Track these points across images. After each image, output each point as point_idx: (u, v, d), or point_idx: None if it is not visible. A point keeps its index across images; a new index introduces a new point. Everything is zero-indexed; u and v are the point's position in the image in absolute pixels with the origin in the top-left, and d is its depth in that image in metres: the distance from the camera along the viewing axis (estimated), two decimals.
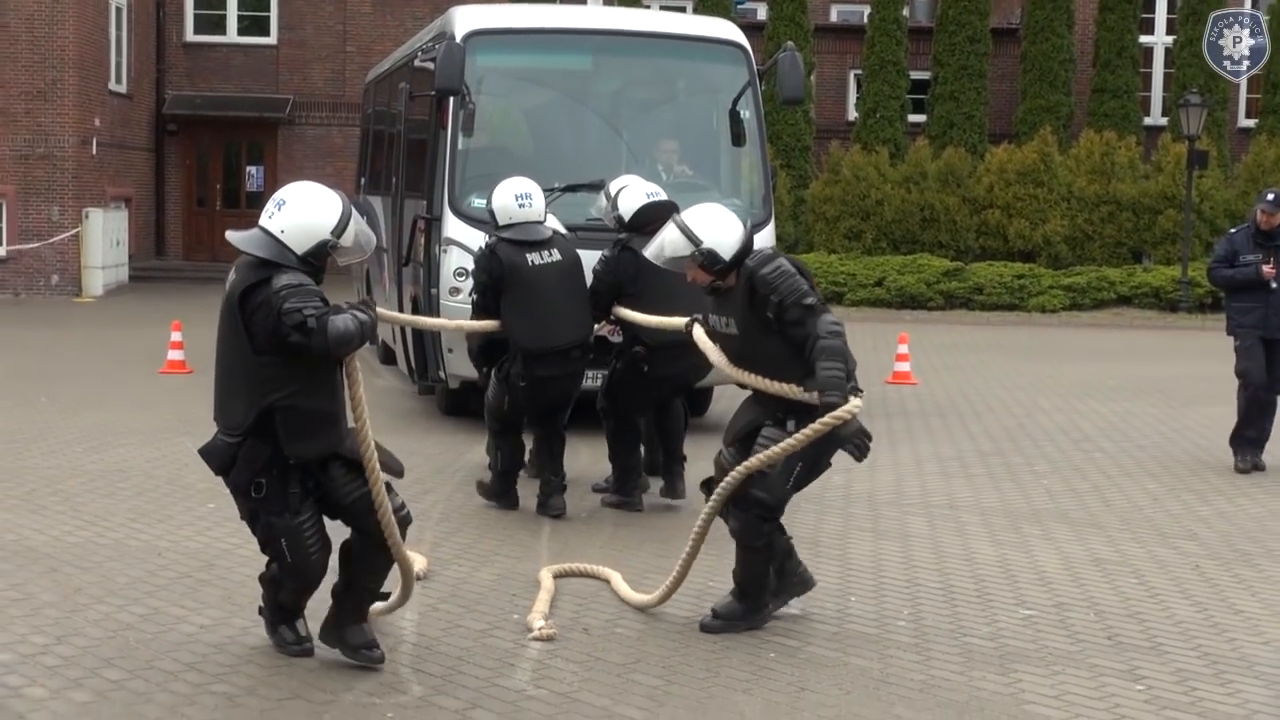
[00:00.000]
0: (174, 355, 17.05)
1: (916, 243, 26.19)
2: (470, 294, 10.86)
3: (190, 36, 31.11)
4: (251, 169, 31.60)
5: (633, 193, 9.63)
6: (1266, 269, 11.09)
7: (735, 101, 12.36)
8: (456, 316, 11.49)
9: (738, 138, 12.44)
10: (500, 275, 9.17)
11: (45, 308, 24.13)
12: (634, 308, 9.31)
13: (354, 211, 6.32)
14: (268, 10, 31.19)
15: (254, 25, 31.32)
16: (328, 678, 6.73)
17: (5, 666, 6.77)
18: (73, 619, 7.48)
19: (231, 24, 31.22)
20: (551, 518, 9.57)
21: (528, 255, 9.18)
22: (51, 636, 7.19)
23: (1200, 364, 19.67)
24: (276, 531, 6.36)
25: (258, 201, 31.12)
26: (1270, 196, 11.17)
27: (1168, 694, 6.39)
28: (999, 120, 30.08)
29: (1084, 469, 12.01)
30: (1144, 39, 30.56)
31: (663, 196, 9.68)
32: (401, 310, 14.32)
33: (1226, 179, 28.23)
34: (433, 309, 12.30)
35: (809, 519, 9.73)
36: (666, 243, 7.06)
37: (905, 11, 29.98)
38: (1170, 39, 30.91)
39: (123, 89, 28.67)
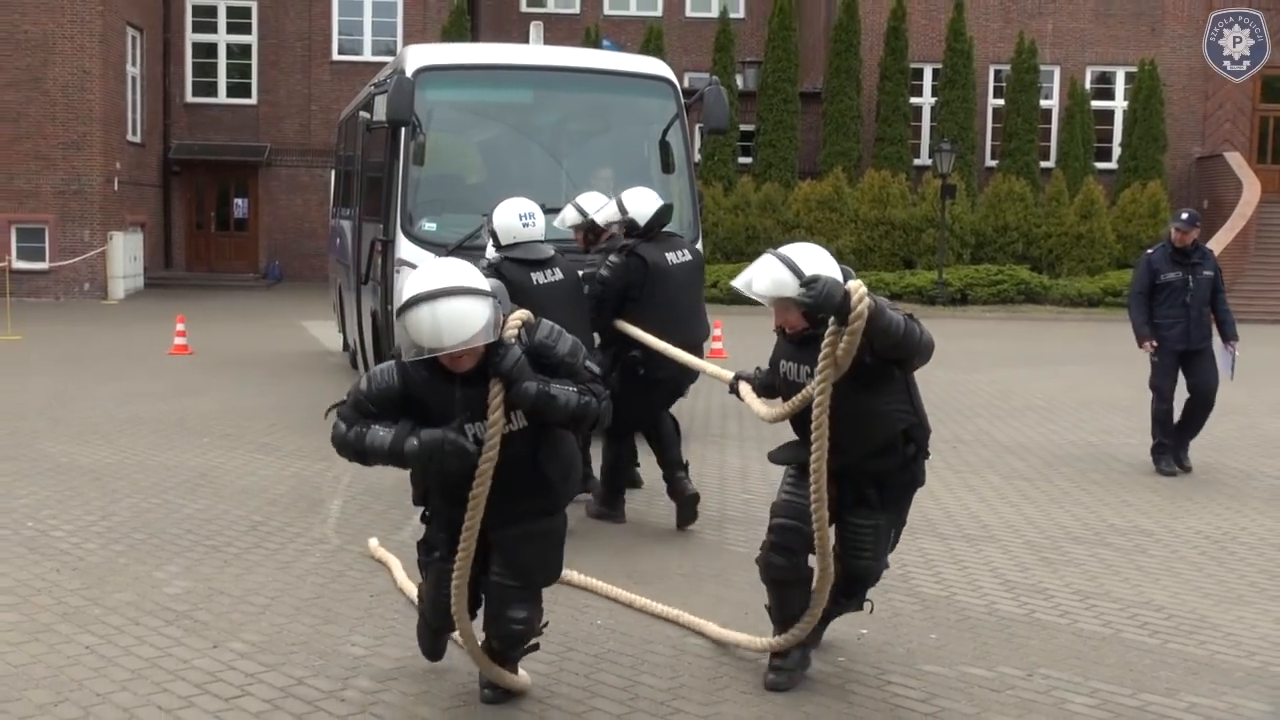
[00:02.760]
0: (179, 341, 17.13)
1: (742, 255, 25.81)
2: None
3: (189, 99, 31.04)
4: (238, 200, 31.55)
5: (644, 196, 8.08)
6: (1146, 346, 9.88)
7: (665, 132, 11.03)
8: None
9: (667, 165, 11.06)
10: (508, 295, 6.62)
11: (79, 308, 24.06)
12: (633, 314, 7.75)
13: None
14: (250, 78, 31.10)
15: (239, 89, 31.18)
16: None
17: (67, 533, 7.71)
18: (110, 507, 8.33)
19: (222, 89, 31.16)
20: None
21: (532, 274, 7.34)
22: (97, 515, 8.11)
23: (954, 341, 18.00)
24: None
25: (244, 226, 32.03)
26: (1185, 216, 9.95)
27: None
28: (805, 162, 30.00)
29: None
30: (914, 100, 30.29)
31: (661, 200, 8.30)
32: (360, 325, 13.22)
33: (972, 206, 28.57)
34: (389, 325, 10.64)
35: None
36: (773, 280, 4.89)
37: (738, 80, 29.77)
38: (934, 100, 30.50)
39: (137, 139, 28.64)
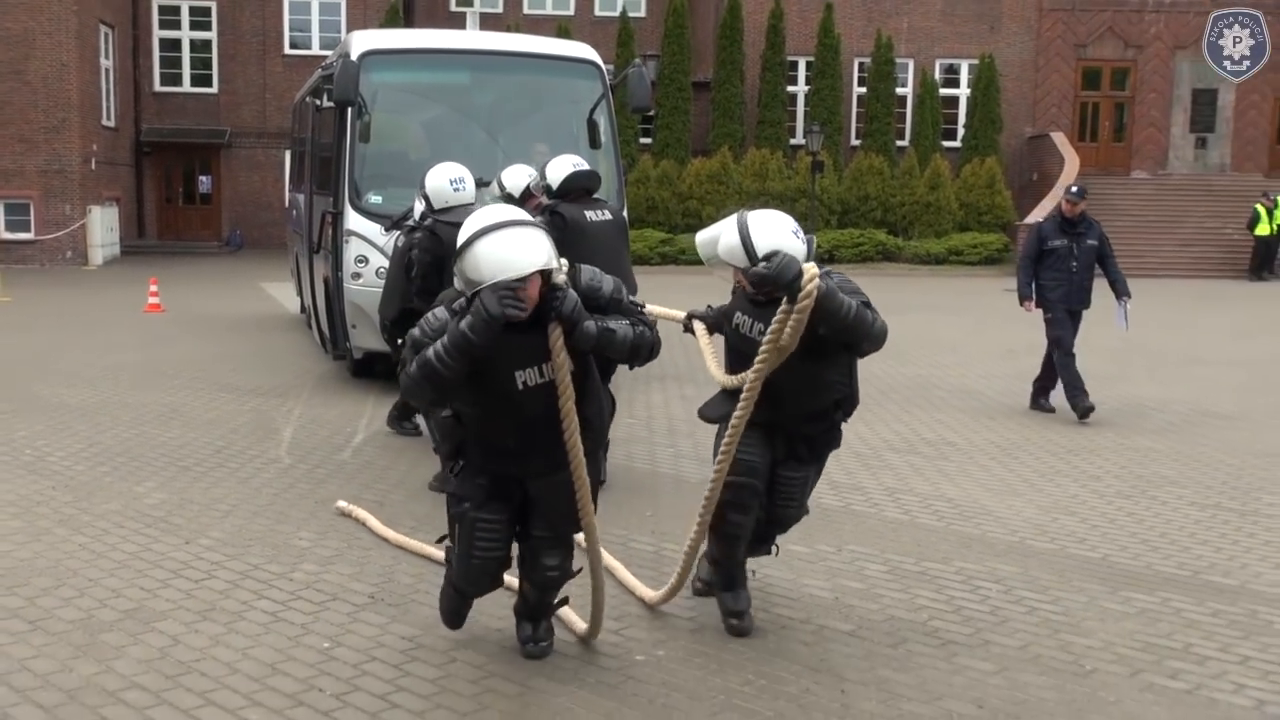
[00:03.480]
0: (152, 300, 17.00)
1: (643, 222, 26.21)
2: (359, 275, 9.85)
3: (157, 88, 30.59)
4: (202, 178, 31.14)
5: (560, 163, 7.57)
6: (1026, 306, 9.72)
7: (592, 111, 10.55)
8: (356, 300, 9.96)
9: (595, 141, 10.56)
10: (442, 254, 6.54)
11: (63, 274, 23.80)
12: None
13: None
14: (211, 70, 30.65)
15: (202, 80, 30.71)
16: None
17: (59, 458, 7.83)
18: (96, 437, 8.49)
19: (186, 79, 30.69)
20: None
21: None
22: (85, 444, 8.26)
23: None
24: None
25: (208, 200, 31.50)
26: (1074, 190, 9.61)
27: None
28: (697, 141, 29.95)
29: None
30: (789, 89, 30.19)
31: (585, 166, 7.70)
32: (313, 289, 12.31)
33: (839, 179, 28.57)
34: (340, 290, 10.24)
35: None
36: (728, 246, 4.51)
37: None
38: (806, 88, 30.24)
39: (112, 124, 28.29)
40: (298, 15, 30.73)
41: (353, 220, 10.00)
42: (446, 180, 7.15)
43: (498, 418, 4.16)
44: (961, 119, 30.72)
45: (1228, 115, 30.81)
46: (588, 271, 4.22)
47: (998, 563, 5.84)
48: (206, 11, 30.83)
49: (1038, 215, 24.55)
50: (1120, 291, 9.55)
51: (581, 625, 4.60)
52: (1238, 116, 30.78)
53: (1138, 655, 4.63)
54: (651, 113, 28.94)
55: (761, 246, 4.39)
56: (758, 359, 4.40)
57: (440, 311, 4.07)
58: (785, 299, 4.27)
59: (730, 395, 4.72)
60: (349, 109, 9.86)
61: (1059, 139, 29.25)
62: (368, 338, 9.81)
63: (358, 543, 5.99)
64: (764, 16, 29.81)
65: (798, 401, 4.66)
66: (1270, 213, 25.49)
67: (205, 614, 4.96)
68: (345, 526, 6.28)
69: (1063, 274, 9.39)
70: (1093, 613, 5.11)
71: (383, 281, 8.60)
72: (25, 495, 6.85)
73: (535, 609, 4.47)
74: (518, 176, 7.66)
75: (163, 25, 30.88)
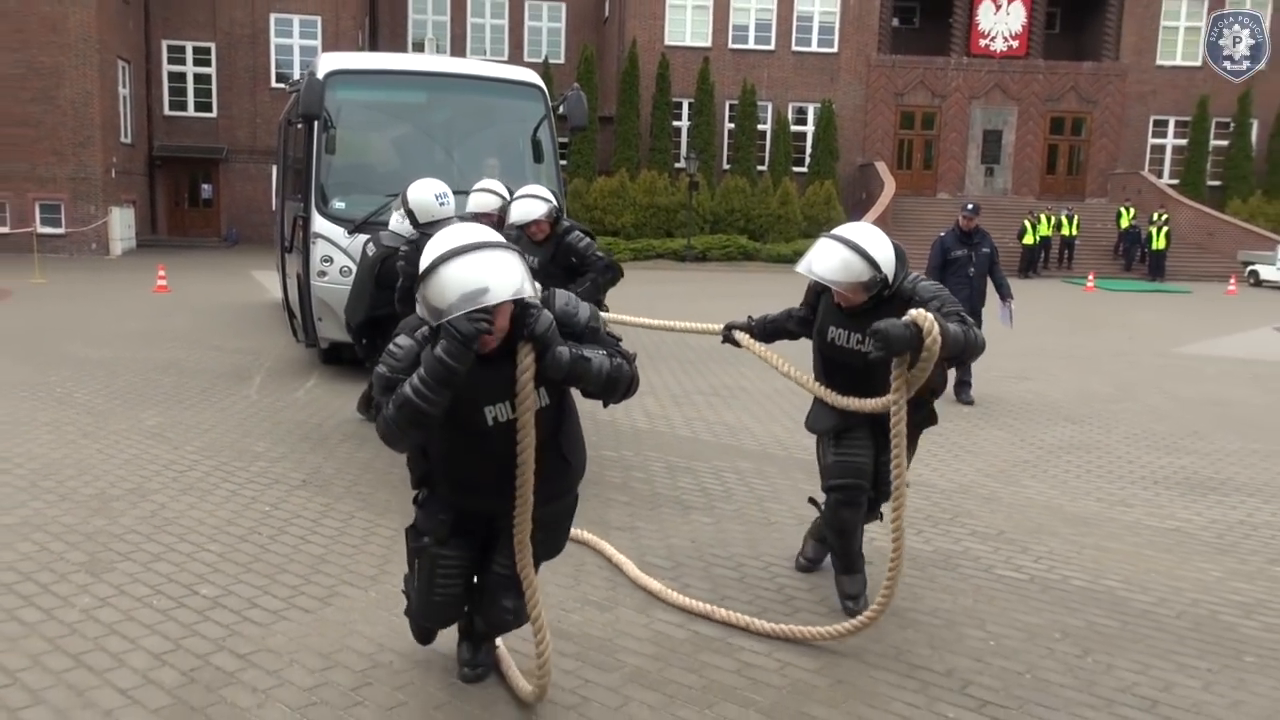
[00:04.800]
0: (160, 283, 16.82)
1: None
2: (324, 273, 8.99)
3: (167, 112, 30.22)
4: (204, 186, 30.81)
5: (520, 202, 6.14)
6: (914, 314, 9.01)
7: (536, 129, 9.71)
8: (321, 295, 9.04)
9: (538, 156, 9.75)
10: None
11: (88, 262, 23.55)
12: None
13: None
14: (211, 98, 30.34)
15: (203, 106, 30.37)
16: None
17: (82, 395, 8.21)
18: (111, 381, 8.83)
19: (190, 105, 30.40)
20: None
21: None
22: (102, 385, 8.64)
23: (696, 286, 19.53)
24: None
25: (210, 203, 31.00)
26: (970, 207, 9.04)
27: None
28: (601, 164, 29.96)
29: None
30: (675, 123, 30.44)
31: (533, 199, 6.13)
32: (286, 283, 11.31)
33: (711, 195, 28.69)
34: (307, 286, 9.33)
35: None
36: (842, 263, 3.78)
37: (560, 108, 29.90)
38: (688, 123, 30.50)
39: (129, 141, 28.00)
40: (282, 55, 30.72)
41: (319, 224, 9.15)
42: (431, 195, 6.11)
43: (468, 454, 3.14)
44: (808, 149, 31.16)
45: (1010, 151, 32.18)
46: (562, 296, 3.18)
47: (741, 460, 6.79)
48: (207, 51, 30.68)
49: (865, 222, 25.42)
50: (1005, 294, 8.99)
51: (524, 686, 3.42)
52: (1017, 152, 32.17)
53: (810, 512, 5.58)
54: (564, 140, 29.36)
55: (870, 252, 3.77)
56: (892, 400, 3.62)
57: (403, 340, 3.05)
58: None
59: (830, 409, 4.09)
60: (315, 123, 9.04)
61: (881, 167, 29.93)
62: (332, 329, 9.01)
63: (300, 447, 6.78)
64: (655, 66, 30.28)
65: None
66: (1034, 227, 26.96)
67: (184, 491, 5.75)
68: (294, 439, 7.06)
69: (963, 280, 8.73)
70: (785, 487, 6.05)
71: (346, 280, 8.14)
72: (56, 419, 7.38)
73: (479, 635, 3.58)
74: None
75: (171, 61, 30.62)
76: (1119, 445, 7.58)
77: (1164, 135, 32.80)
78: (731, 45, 31.29)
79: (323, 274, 9.05)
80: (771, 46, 31.37)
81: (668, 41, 30.89)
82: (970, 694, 3.60)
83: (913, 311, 3.49)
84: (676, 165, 30.33)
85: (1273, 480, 6.71)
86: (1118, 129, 31.95)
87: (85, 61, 25.18)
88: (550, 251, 6.08)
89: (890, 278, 3.82)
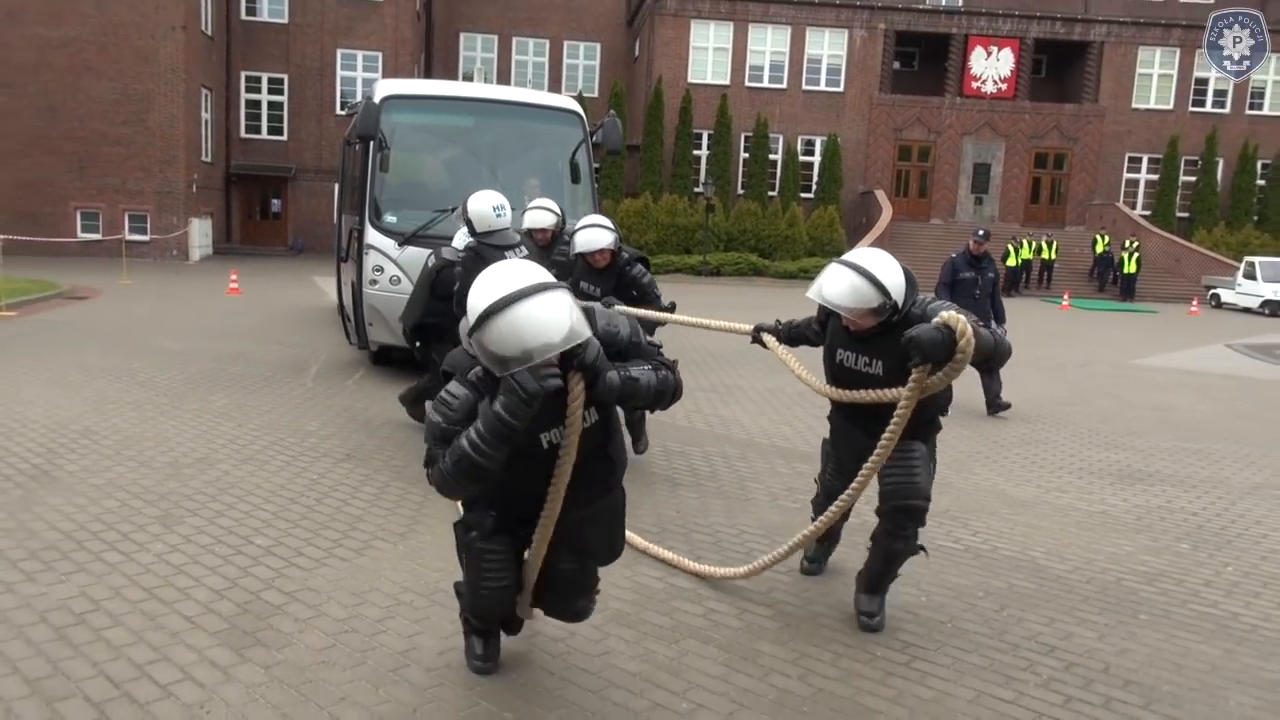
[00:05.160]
0: (233, 286, 17.04)
1: None
2: (375, 281, 8.76)
3: (243, 135, 30.69)
4: (275, 200, 31.29)
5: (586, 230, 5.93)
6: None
7: (574, 153, 9.45)
8: (372, 302, 8.83)
9: (575, 178, 9.48)
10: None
11: (169, 266, 23.87)
12: None
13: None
14: (282, 123, 30.86)
15: (275, 130, 30.85)
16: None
17: (162, 380, 8.35)
18: (186, 369, 9.01)
19: (264, 129, 30.88)
20: None
21: (506, 254, 5.49)
22: (177, 372, 8.81)
23: (714, 298, 18.79)
24: None
25: (279, 216, 31.40)
26: (981, 233, 8.75)
27: None
28: (629, 187, 30.29)
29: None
30: (695, 152, 30.56)
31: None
32: (341, 289, 11.04)
33: (726, 217, 28.82)
34: (359, 294, 9.08)
35: None
36: (852, 289, 3.39)
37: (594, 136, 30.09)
38: (707, 152, 30.31)
39: (209, 160, 28.43)
40: (347, 86, 31.12)
41: (372, 236, 8.92)
42: (490, 206, 5.95)
43: (521, 475, 2.87)
44: (814, 177, 31.29)
45: (997, 182, 32.19)
46: (601, 316, 2.98)
47: (729, 447, 6.97)
48: (280, 81, 31.25)
49: (865, 244, 25.56)
50: (1000, 319, 8.57)
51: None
52: (1004, 183, 32.17)
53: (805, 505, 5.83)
54: (597, 165, 29.58)
55: (881, 279, 3.39)
56: (903, 399, 3.32)
57: (457, 388, 2.78)
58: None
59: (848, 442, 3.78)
60: (371, 143, 8.85)
61: (880, 194, 29.98)
62: (382, 334, 8.91)
63: (346, 428, 7.07)
64: (678, 100, 30.58)
65: (918, 411, 3.45)
66: (1016, 250, 26.99)
67: (245, 461, 6.06)
68: (341, 420, 7.34)
69: (968, 301, 8.36)
70: (764, 469, 6.26)
71: (396, 289, 8.27)
72: (139, 399, 7.66)
73: (490, 632, 3.35)
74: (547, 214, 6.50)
75: (248, 89, 31.19)
76: (1064, 441, 7.76)
77: (1138, 170, 32.68)
78: (748, 83, 31.50)
79: (374, 282, 8.84)
80: (784, 85, 31.57)
81: (690, 79, 31.16)
82: (898, 638, 3.83)
83: (944, 314, 3.17)
84: (695, 190, 30.55)
85: (1196, 474, 6.88)
86: (1096, 164, 31.88)
87: (173, 89, 25.76)
88: (613, 282, 5.84)
89: (900, 303, 3.41)
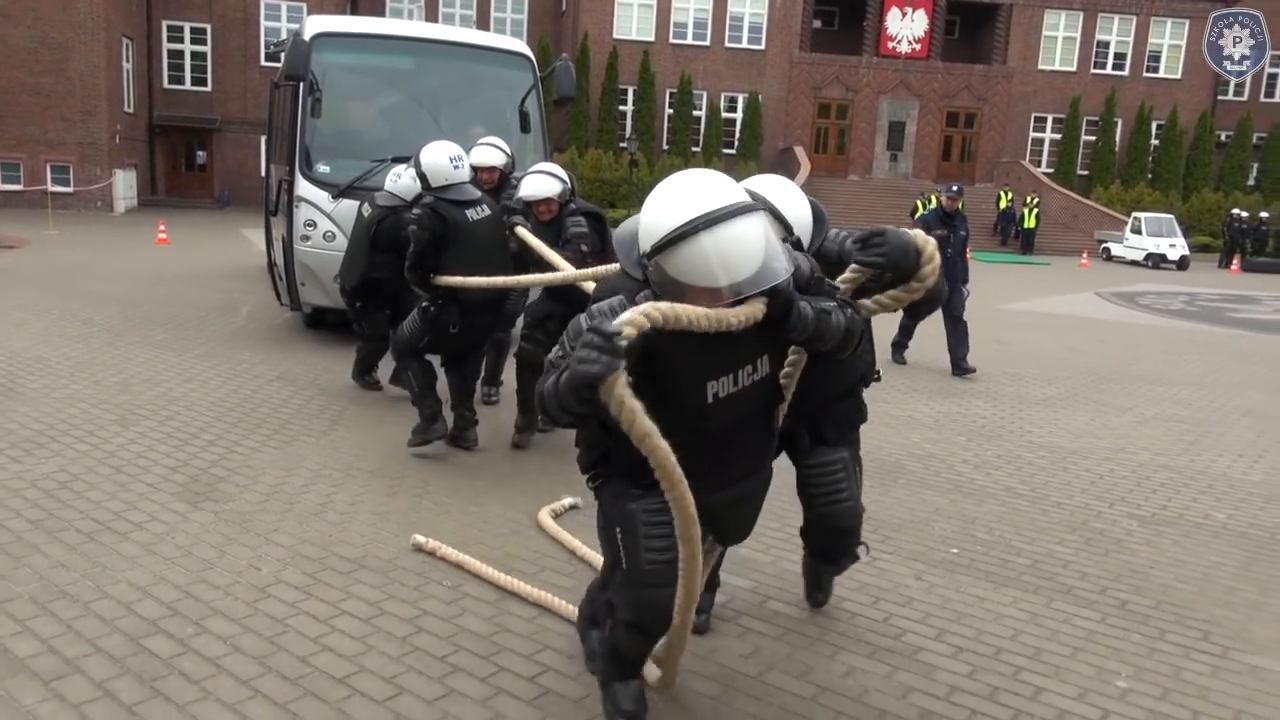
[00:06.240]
0: (161, 236, 17.24)
1: None
2: (308, 238, 8.12)
3: (166, 85, 30.57)
4: (200, 152, 31.23)
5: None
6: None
7: (523, 99, 8.67)
8: (305, 260, 8.17)
9: (525, 126, 8.69)
10: (443, 232, 4.99)
11: (95, 218, 23.84)
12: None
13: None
14: (206, 74, 30.77)
15: (199, 80, 30.78)
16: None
17: (102, 319, 8.89)
18: (125, 311, 9.47)
19: (188, 80, 30.80)
20: (464, 449, 5.44)
21: (467, 212, 5.09)
22: (116, 313, 9.37)
23: None
24: None
25: (204, 168, 31.41)
26: (954, 189, 8.61)
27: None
28: (556, 142, 28.01)
29: None
30: (620, 108, 30.81)
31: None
32: (270, 248, 10.20)
33: (650, 172, 28.49)
34: (290, 251, 8.39)
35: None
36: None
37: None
38: (632, 108, 30.77)
39: (131, 110, 28.25)
40: (271, 37, 31.26)
41: (303, 188, 8.20)
42: (446, 158, 5.20)
43: (677, 436, 2.09)
44: (737, 134, 32.25)
45: (912, 140, 33.63)
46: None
47: None
48: (204, 31, 31.17)
49: None
50: (965, 278, 8.53)
51: (653, 671, 2.72)
52: (918, 141, 33.63)
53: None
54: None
55: (790, 216, 2.85)
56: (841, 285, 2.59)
57: (614, 303, 2.19)
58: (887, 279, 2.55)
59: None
60: (301, 85, 8.14)
61: (800, 151, 31.10)
62: (316, 294, 8.27)
63: (275, 354, 7.93)
64: (604, 56, 31.21)
65: (824, 386, 2.92)
66: (925, 205, 28.51)
67: (187, 380, 6.96)
68: (271, 349, 8.18)
69: (941, 257, 6.92)
70: None
71: (330, 245, 7.72)
72: (84, 334, 8.33)
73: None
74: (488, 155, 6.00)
75: (170, 39, 31.08)
76: (909, 369, 9.05)
77: (1043, 130, 34.43)
78: (672, 40, 32.26)
79: (306, 238, 8.18)
80: (707, 42, 32.40)
81: (616, 35, 31.81)
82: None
83: (914, 232, 2.54)
84: (621, 145, 31.35)
85: (1003, 390, 8.22)
86: (1004, 123, 33.50)
87: (93, 37, 25.62)
88: (555, 233, 5.23)
89: (807, 241, 2.89)
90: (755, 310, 2.16)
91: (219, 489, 4.75)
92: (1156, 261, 25.73)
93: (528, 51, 9.21)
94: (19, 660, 3.00)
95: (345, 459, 5.31)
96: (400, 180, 6.05)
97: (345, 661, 3.11)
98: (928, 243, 2.60)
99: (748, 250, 2.10)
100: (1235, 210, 28.81)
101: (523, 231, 5.11)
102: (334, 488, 4.86)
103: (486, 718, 2.81)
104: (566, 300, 4.93)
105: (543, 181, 5.37)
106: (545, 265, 4.80)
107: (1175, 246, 25.46)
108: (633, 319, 1.95)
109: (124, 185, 26.95)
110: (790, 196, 2.92)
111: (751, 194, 2.45)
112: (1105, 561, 4.36)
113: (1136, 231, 26.68)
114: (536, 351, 5.20)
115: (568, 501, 4.51)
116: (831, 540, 3.07)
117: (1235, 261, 26.86)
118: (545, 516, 4.31)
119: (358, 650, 3.19)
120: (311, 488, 4.84)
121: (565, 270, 4.57)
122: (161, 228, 17.92)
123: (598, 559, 3.32)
